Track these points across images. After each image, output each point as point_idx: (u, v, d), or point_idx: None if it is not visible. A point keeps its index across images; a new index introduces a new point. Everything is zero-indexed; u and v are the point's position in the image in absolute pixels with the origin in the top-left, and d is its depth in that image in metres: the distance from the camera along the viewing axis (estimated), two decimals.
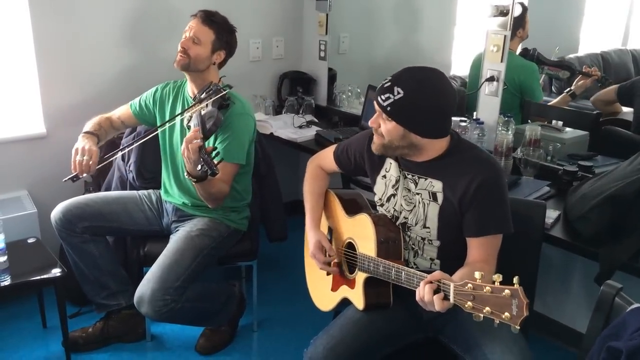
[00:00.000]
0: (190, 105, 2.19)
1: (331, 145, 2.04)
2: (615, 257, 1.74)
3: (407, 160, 1.66)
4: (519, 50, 2.84)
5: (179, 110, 2.31)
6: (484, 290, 1.26)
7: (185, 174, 2.00)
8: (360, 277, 1.71)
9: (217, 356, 2.43)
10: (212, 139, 2.12)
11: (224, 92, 2.10)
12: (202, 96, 2.13)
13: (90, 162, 2.12)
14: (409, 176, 1.68)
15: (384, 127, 1.58)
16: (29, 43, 2.57)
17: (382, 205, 1.77)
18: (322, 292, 1.93)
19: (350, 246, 1.80)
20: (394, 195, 1.73)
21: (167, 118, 2.33)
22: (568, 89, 2.86)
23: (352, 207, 1.88)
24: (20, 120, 2.68)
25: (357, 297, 1.73)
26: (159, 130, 2.24)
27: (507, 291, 1.23)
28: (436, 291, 1.37)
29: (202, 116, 2.01)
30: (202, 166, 1.85)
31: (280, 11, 3.35)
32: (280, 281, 2.98)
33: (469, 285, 1.29)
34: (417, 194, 1.66)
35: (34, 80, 2.62)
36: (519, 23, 2.68)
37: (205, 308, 2.28)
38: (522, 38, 2.76)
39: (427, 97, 1.53)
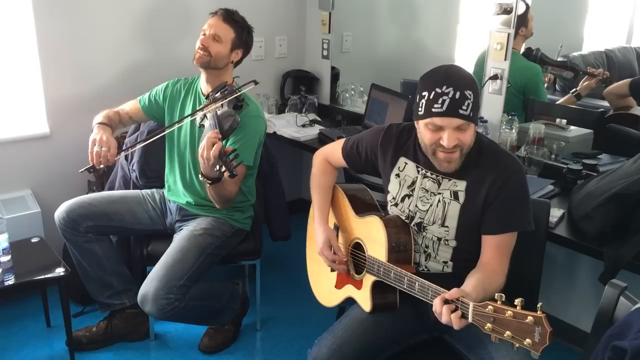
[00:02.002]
0: (203, 104, 2.18)
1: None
2: (620, 255, 1.74)
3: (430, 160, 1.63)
4: (522, 50, 2.82)
5: (189, 108, 2.31)
6: (506, 315, 1.24)
7: (200, 175, 1.99)
8: (368, 279, 1.69)
9: (221, 355, 2.43)
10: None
11: (239, 93, 2.10)
12: (217, 96, 2.13)
13: (109, 154, 2.10)
14: (432, 176, 1.66)
15: (465, 136, 1.52)
16: (32, 42, 2.57)
17: (395, 205, 1.74)
18: (326, 287, 1.91)
19: (358, 246, 1.78)
20: (409, 195, 1.70)
21: (177, 115, 2.32)
22: (573, 89, 2.85)
23: (361, 206, 1.85)
24: (23, 119, 2.68)
25: (363, 299, 1.71)
26: (167, 131, 2.22)
27: (530, 318, 1.21)
28: (454, 310, 1.35)
29: (219, 116, 2.00)
30: (220, 167, 1.84)
31: (283, 10, 3.35)
32: (284, 280, 2.98)
33: (490, 307, 1.27)
34: (439, 193, 1.64)
35: (38, 79, 2.63)
36: (522, 21, 2.66)
37: (209, 307, 2.28)
38: (526, 37, 2.74)
39: (477, 85, 1.55)
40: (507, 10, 2.40)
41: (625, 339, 1.18)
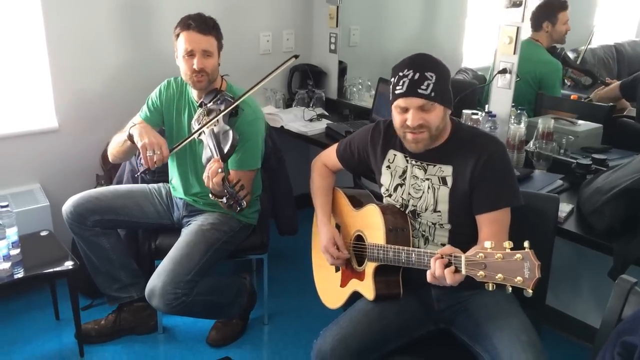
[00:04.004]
0: (198, 115, 2.13)
1: (341, 138, 2.04)
2: (629, 251, 1.72)
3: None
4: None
5: (185, 117, 2.26)
6: (495, 257, 1.28)
7: (210, 195, 1.97)
8: (369, 267, 1.72)
9: (228, 349, 2.44)
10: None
11: (234, 104, 2.04)
12: (211, 106, 2.08)
13: (163, 155, 2.03)
14: (417, 164, 1.71)
15: (430, 117, 1.58)
16: (41, 37, 2.58)
17: (389, 195, 1.79)
18: (332, 289, 1.93)
19: (359, 238, 1.81)
20: (401, 184, 1.75)
21: (174, 117, 2.28)
22: (587, 97, 2.84)
23: (359, 202, 1.89)
24: (32, 114, 2.69)
25: (367, 288, 1.73)
26: (176, 149, 2.15)
27: (518, 255, 1.26)
28: (447, 265, 1.39)
29: (216, 135, 1.96)
30: (227, 200, 1.83)
31: (291, 4, 3.34)
32: (291, 274, 2.98)
33: (480, 254, 1.31)
34: (427, 179, 1.68)
35: (46, 74, 2.63)
36: (547, 15, 2.69)
37: (216, 301, 2.29)
38: (552, 35, 2.74)
39: (446, 71, 1.62)
40: (516, 4, 2.38)
41: (635, 334, 1.17)
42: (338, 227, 1.93)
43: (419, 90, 1.55)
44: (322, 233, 1.88)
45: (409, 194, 1.72)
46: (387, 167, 1.78)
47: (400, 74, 1.58)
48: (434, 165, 1.68)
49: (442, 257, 1.41)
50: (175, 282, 2.06)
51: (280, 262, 3.05)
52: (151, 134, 2.07)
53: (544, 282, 1.79)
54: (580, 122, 2.60)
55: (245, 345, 2.47)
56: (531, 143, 2.46)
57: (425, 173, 1.69)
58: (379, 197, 1.89)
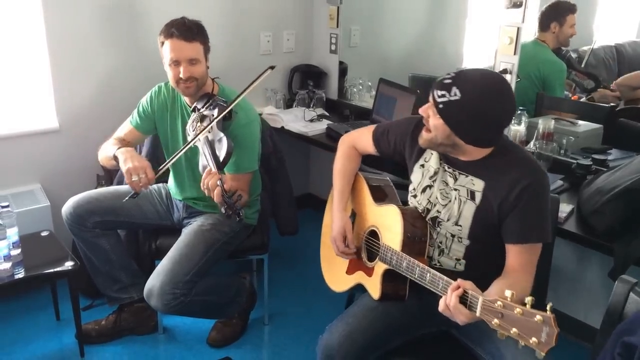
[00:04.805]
0: (192, 120, 2.13)
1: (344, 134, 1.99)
2: (630, 251, 1.72)
3: (448, 155, 1.63)
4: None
5: (179, 122, 2.25)
6: (515, 312, 1.22)
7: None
8: (379, 267, 1.70)
9: (229, 349, 2.44)
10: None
11: (226, 110, 2.02)
12: (203, 111, 2.07)
13: (148, 178, 2.03)
14: (449, 170, 1.64)
15: (432, 121, 1.53)
16: (42, 38, 2.58)
17: (415, 196, 1.73)
18: (337, 273, 1.92)
19: (373, 234, 1.79)
20: (430, 186, 1.69)
21: (169, 124, 2.28)
22: (589, 95, 2.85)
23: (381, 195, 1.84)
24: (33, 114, 2.69)
25: (373, 286, 1.72)
26: (179, 155, 2.13)
27: (539, 317, 1.19)
28: (462, 301, 1.34)
29: (211, 142, 1.95)
30: (226, 210, 1.82)
31: (291, 4, 3.34)
32: (291, 274, 2.98)
33: (499, 302, 1.25)
34: (455, 189, 1.62)
35: (47, 75, 2.64)
36: (555, 16, 2.71)
37: (215, 301, 2.28)
38: (558, 37, 2.76)
39: (482, 108, 1.46)
40: (517, 4, 2.38)
41: (635, 335, 1.17)
42: (354, 214, 1.90)
43: (435, 92, 1.50)
44: (335, 219, 1.83)
45: (437, 198, 1.66)
46: (421, 165, 1.72)
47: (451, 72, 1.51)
48: (466, 176, 1.60)
49: (459, 288, 1.34)
50: (173, 282, 2.06)
51: (281, 262, 3.05)
52: (135, 158, 2.06)
53: (544, 283, 1.79)
54: (580, 122, 2.61)
55: (246, 346, 2.47)
56: (531, 143, 2.45)
57: (455, 182, 1.62)
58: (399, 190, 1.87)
